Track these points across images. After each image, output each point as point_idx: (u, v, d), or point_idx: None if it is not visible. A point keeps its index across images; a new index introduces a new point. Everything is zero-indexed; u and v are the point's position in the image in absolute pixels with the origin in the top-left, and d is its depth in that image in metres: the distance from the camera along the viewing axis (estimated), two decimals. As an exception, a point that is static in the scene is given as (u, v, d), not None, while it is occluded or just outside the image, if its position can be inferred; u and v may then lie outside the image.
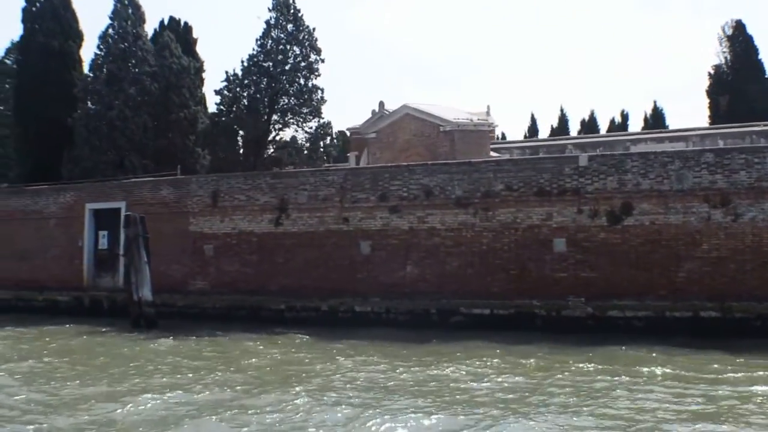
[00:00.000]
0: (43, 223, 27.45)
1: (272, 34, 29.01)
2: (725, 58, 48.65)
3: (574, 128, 62.09)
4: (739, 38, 47.76)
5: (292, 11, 29.26)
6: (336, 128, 37.06)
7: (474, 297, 20.02)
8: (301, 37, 29.03)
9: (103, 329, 21.25)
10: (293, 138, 29.64)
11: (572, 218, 19.50)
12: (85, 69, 34.21)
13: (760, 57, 46.93)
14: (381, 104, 31.30)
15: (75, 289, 26.19)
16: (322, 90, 29.13)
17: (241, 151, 30.15)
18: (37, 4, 34.26)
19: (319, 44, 29.43)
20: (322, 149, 29.63)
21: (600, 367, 14.38)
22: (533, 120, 62.65)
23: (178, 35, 34.28)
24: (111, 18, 31.61)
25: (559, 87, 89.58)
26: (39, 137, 32.08)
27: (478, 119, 27.60)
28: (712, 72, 48.84)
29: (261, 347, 17.68)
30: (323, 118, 29.37)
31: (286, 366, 15.31)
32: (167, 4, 66.81)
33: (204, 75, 33.78)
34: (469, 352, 16.06)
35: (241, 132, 29.54)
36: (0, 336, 20.76)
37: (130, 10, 31.76)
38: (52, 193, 27.56)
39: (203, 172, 29.23)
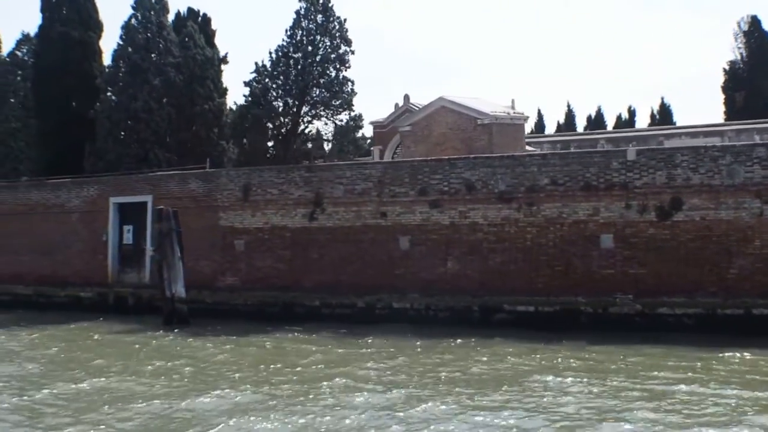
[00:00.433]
0: (64, 218, 27.00)
1: (302, 24, 28.40)
2: (741, 54, 48.38)
3: (580, 124, 61.76)
4: (754, 34, 47.65)
5: (321, 2, 28.62)
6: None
7: (518, 294, 19.69)
8: (330, 28, 28.40)
9: (134, 326, 20.86)
10: (320, 131, 29.05)
11: (620, 213, 19.17)
12: (105, 60, 33.57)
13: (775, 53, 46.70)
14: (406, 98, 30.86)
15: (99, 285, 25.75)
16: (353, 82, 28.58)
17: (269, 143, 29.50)
18: (57, -7, 33.45)
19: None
20: (351, 142, 28.99)
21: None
22: (540, 116, 62.30)
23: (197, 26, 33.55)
24: (134, 7, 31.05)
25: (565, 83, 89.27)
26: (58, 129, 31.40)
27: (514, 112, 27.15)
28: (727, 68, 48.58)
29: (311, 344, 17.24)
30: (354, 111, 28.78)
31: (346, 363, 14.87)
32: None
33: (223, 67, 32.95)
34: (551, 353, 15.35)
35: (269, 125, 28.89)
36: (42, 333, 20.33)
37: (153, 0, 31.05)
38: (75, 187, 27.08)
39: (229, 165, 28.69)
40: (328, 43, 28.63)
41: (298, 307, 22.00)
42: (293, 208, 22.58)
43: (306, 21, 28.59)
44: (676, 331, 17.51)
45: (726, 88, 48.08)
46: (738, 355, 14.88)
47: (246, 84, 29.26)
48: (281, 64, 28.63)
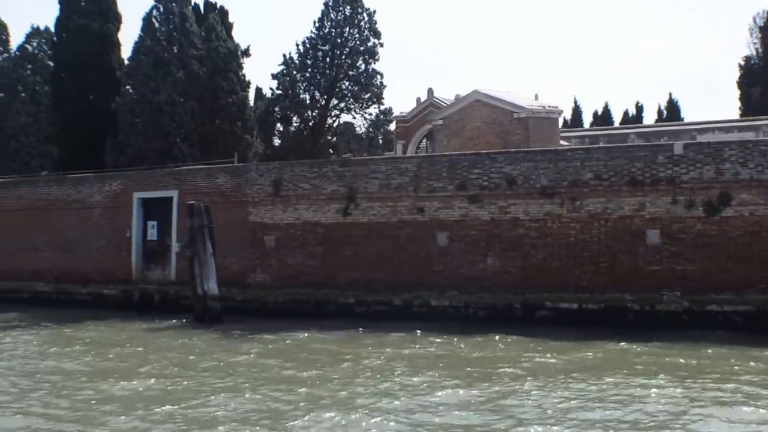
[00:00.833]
0: (86, 213, 26.61)
1: (330, 16, 27.91)
2: (756, 49, 48.08)
3: (587, 120, 61.47)
4: (770, 29, 47.22)
5: (350, -7, 28.09)
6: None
7: (561, 291, 19.30)
8: (359, 20, 27.91)
9: (167, 324, 20.47)
10: (350, 125, 28.51)
11: (666, 209, 18.90)
12: (124, 52, 32.99)
13: (792, 47, 46.43)
14: (430, 92, 30.44)
15: (122, 282, 25.38)
16: (382, 75, 28.10)
17: (297, 138, 28.91)
18: (75, -17, 32.78)
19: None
20: (382, 136, 28.45)
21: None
22: (548, 112, 61.95)
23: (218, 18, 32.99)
24: (155, -3, 30.27)
25: (570, 79, 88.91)
26: (77, 123, 30.81)
27: (549, 106, 26.72)
28: (742, 63, 48.24)
29: (355, 343, 16.83)
30: (384, 104, 28.29)
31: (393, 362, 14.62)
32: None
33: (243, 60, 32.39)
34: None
35: (295, 118, 28.38)
36: (77, 330, 20.05)
37: (175, -10, 30.44)
38: (97, 182, 26.66)
39: (255, 159, 28.17)
40: (357, 36, 28.17)
41: (331, 305, 21.63)
42: (326, 204, 22.20)
43: (335, 12, 28.12)
44: (724, 329, 17.21)
45: (742, 84, 47.74)
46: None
47: (274, 77, 28.75)
48: (309, 57, 28.10)
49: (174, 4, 30.07)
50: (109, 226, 25.91)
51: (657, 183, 18.89)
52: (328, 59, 27.97)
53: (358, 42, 28.00)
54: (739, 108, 47.38)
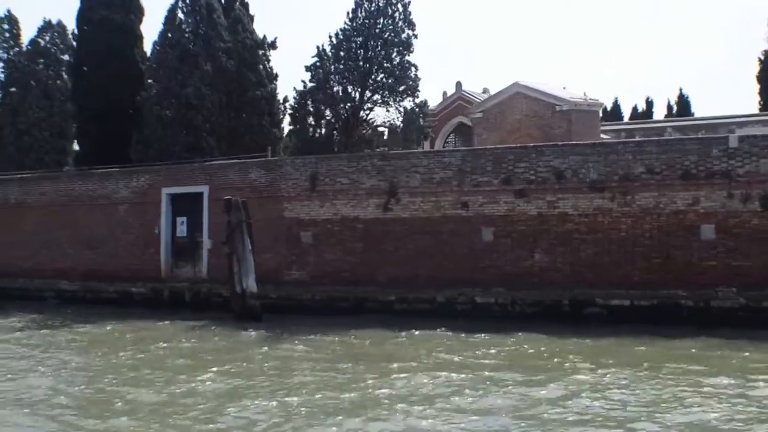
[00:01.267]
0: (112, 209, 26.21)
1: (364, 6, 27.37)
2: (774, 43, 47.68)
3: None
4: (790, 23, 46.76)
5: (384, -17, 27.53)
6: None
7: (612, 287, 18.93)
8: (393, 11, 27.39)
9: (206, 323, 19.92)
10: (385, 118, 27.94)
11: (721, 203, 18.62)
12: (146, 45, 32.40)
13: (810, 40, 46.03)
14: (458, 85, 29.97)
15: (151, 280, 24.94)
16: (416, 67, 27.58)
17: (332, 131, 28.32)
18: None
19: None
20: (417, 130, 27.86)
21: None
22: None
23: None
24: (182, -11, 29.66)
25: (581, 74, 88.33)
26: (100, 116, 30.22)
27: (590, 99, 26.27)
28: (762, 57, 47.79)
29: (409, 343, 16.40)
30: (419, 97, 27.79)
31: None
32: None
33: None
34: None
35: (327, 112, 27.87)
36: (116, 330, 19.70)
37: (201, -19, 29.84)
38: (123, 177, 26.21)
39: (287, 153, 27.64)
40: (391, 27, 27.66)
41: (371, 303, 21.25)
42: (365, 199, 21.83)
43: (368, 3, 27.60)
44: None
45: (761, 78, 47.32)
46: None
47: (307, 69, 28.23)
48: (343, 48, 27.60)
49: (200, -4, 29.46)
50: (136, 223, 25.52)
51: (711, 176, 18.59)
52: (361, 51, 27.46)
53: (392, 33, 27.50)
54: (759, 102, 47.01)
